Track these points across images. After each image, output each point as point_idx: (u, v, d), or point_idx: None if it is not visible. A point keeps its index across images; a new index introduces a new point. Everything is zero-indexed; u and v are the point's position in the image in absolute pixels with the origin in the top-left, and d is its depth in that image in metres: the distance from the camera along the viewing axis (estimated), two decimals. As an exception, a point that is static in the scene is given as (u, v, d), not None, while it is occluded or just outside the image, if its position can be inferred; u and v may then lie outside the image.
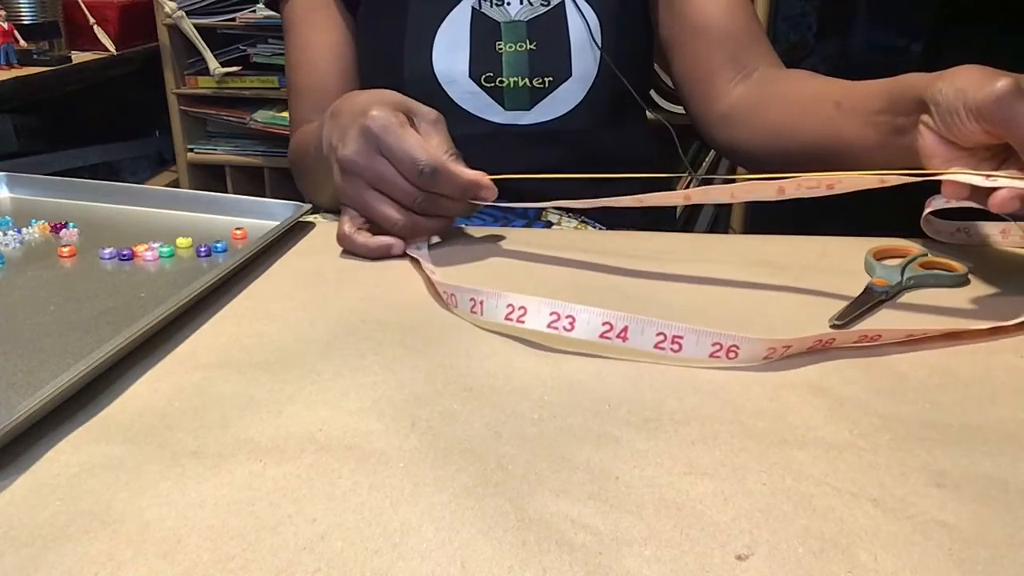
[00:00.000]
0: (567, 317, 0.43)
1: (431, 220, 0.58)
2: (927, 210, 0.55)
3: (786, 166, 0.71)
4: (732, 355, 0.43)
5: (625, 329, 0.42)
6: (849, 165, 0.63)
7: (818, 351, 0.44)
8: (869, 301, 0.50)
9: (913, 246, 0.58)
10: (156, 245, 0.58)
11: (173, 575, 0.29)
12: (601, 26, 0.77)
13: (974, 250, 0.58)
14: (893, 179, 0.48)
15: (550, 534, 0.31)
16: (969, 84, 0.48)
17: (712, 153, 1.82)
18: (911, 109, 0.54)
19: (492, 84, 0.76)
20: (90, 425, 0.38)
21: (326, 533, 0.31)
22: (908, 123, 0.55)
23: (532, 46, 0.76)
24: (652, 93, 1.74)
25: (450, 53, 0.76)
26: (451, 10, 0.76)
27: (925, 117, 0.53)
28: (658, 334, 0.42)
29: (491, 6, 0.76)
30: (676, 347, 0.42)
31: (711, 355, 0.43)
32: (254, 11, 1.76)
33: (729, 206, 1.85)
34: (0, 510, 0.32)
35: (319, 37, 0.82)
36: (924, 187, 0.51)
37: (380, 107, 0.55)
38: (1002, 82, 0.46)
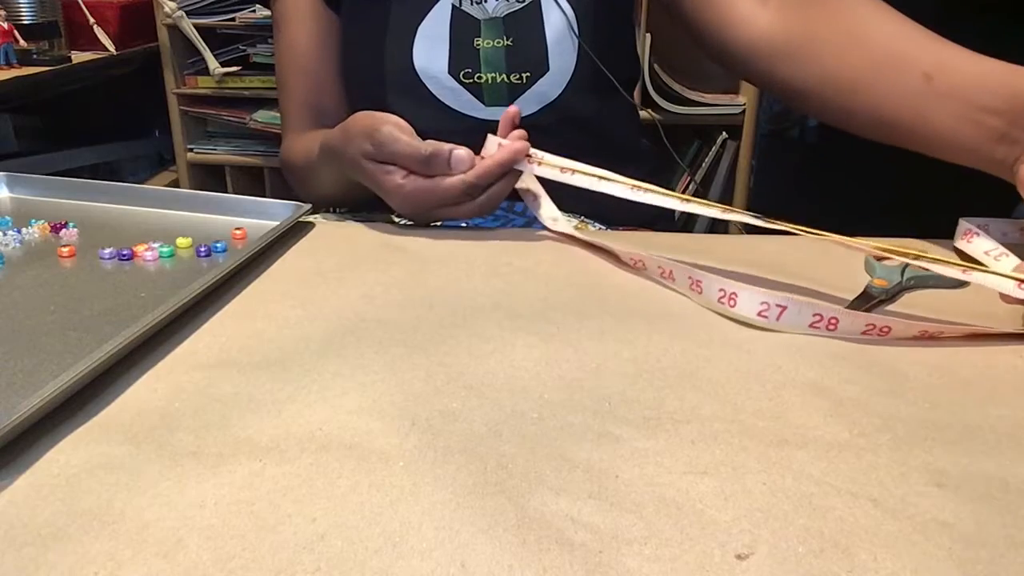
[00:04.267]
0: (777, 306, 0.47)
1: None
2: (960, 242, 0.56)
3: (848, 123, 0.63)
4: (832, 326, 0.47)
5: (834, 320, 0.47)
6: (926, 153, 0.57)
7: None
8: (869, 301, 0.50)
9: (913, 246, 0.58)
10: (156, 245, 0.58)
11: (173, 575, 0.29)
12: (578, 20, 0.77)
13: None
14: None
15: (550, 533, 0.31)
16: None
17: (713, 153, 1.82)
18: None
19: (471, 80, 0.77)
20: (90, 425, 0.38)
21: (326, 533, 0.31)
22: (1021, 137, 0.50)
23: (509, 42, 0.76)
24: (653, 94, 1.75)
25: (430, 49, 0.76)
26: (432, 7, 0.76)
27: None
28: (815, 315, 0.47)
29: (471, 3, 0.76)
30: (832, 327, 0.47)
31: (811, 324, 0.47)
32: (254, 11, 1.76)
33: (729, 205, 1.84)
34: (0, 510, 0.32)
35: (307, 35, 0.82)
36: (931, 190, 0.50)
37: (399, 201, 0.61)
38: None
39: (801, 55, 0.65)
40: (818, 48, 0.64)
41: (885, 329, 0.46)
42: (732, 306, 0.48)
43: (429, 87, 0.77)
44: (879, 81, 0.59)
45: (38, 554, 0.30)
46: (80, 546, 0.30)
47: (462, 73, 0.76)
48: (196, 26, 1.76)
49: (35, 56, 1.53)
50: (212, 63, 1.78)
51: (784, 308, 0.47)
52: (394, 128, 0.60)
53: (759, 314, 0.47)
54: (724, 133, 1.81)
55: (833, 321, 0.46)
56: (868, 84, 0.60)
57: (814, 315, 0.46)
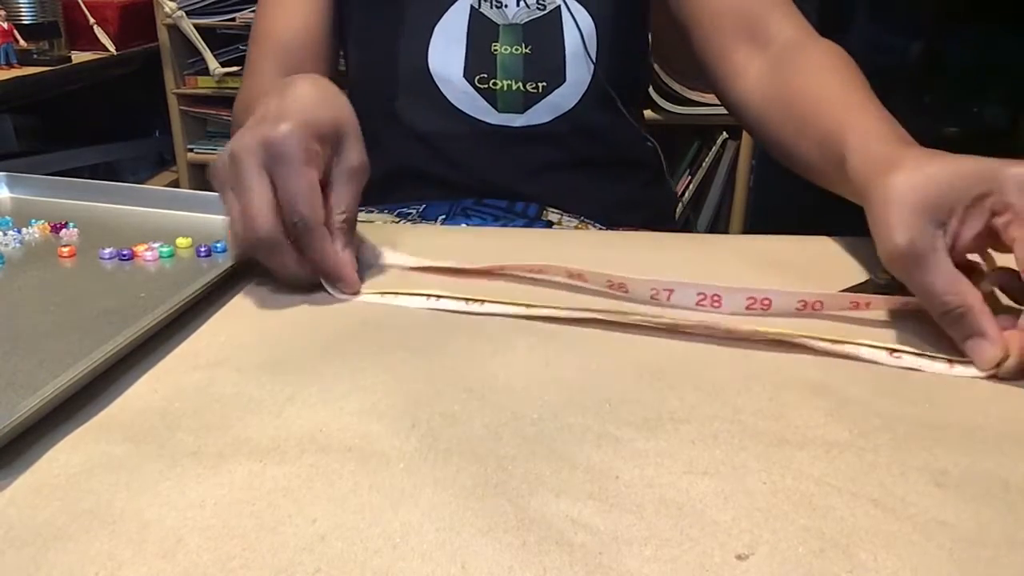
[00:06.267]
0: (713, 296, 0.49)
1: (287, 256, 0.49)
2: None
3: (806, 172, 0.64)
4: (765, 305, 0.48)
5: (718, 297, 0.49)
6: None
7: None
8: (866, 289, 0.50)
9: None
10: (156, 245, 0.58)
11: (173, 575, 0.29)
12: (596, 30, 0.76)
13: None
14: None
15: (550, 534, 0.31)
16: (880, 222, 0.44)
17: (713, 153, 1.82)
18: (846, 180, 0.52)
19: (486, 85, 0.76)
20: (90, 425, 0.38)
21: (326, 533, 0.31)
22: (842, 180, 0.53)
23: (527, 50, 0.75)
24: (652, 94, 1.75)
25: (446, 51, 0.75)
26: (449, 7, 0.75)
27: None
28: (699, 294, 0.49)
29: (490, 7, 0.75)
30: (716, 303, 0.49)
31: (747, 307, 0.48)
32: (254, 11, 1.76)
33: (730, 206, 1.85)
34: (0, 510, 0.32)
35: (300, 10, 0.80)
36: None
37: (297, 130, 0.46)
38: (901, 238, 0.42)
39: (772, 105, 0.67)
40: (785, 99, 0.65)
41: (766, 302, 0.48)
42: (667, 300, 0.49)
43: (442, 90, 0.76)
44: (807, 126, 0.61)
45: (38, 554, 0.30)
46: (80, 546, 0.30)
47: (477, 78, 0.75)
48: (196, 26, 1.76)
49: (35, 56, 1.54)
50: (212, 63, 1.78)
51: (720, 297, 0.49)
52: (303, 137, 0.46)
53: (697, 304, 0.49)
54: (724, 133, 1.81)
55: (766, 302, 0.48)
56: (801, 130, 0.62)
57: (748, 298, 0.48)
